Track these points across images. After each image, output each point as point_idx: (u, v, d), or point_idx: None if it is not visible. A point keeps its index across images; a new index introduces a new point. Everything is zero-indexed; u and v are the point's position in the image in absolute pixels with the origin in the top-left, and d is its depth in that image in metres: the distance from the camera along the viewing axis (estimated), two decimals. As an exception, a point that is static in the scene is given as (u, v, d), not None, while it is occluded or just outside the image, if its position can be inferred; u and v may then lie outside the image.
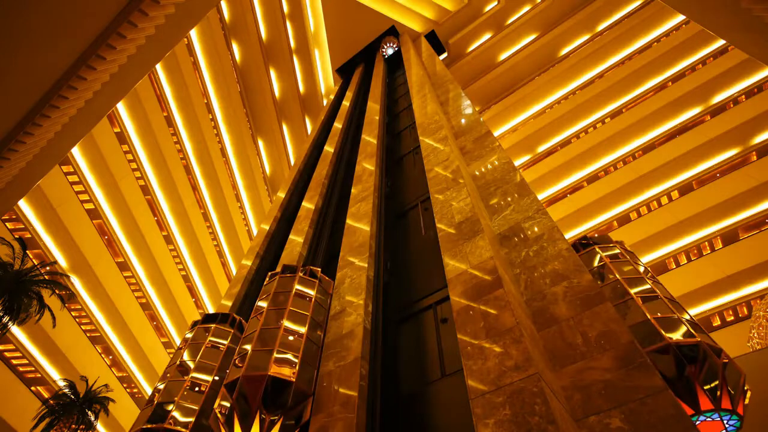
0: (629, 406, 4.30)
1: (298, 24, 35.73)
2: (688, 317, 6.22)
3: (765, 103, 25.77)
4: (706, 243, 25.44)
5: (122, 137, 32.98)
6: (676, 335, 5.78)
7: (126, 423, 34.06)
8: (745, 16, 10.10)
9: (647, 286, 6.67)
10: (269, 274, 9.02)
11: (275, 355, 6.62)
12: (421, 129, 13.76)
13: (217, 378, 7.89)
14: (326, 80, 39.82)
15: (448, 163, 10.27)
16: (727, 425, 5.56)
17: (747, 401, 5.63)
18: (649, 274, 7.08)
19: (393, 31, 36.20)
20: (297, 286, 8.20)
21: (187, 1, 13.76)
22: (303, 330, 7.35)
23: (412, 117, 17.31)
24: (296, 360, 6.73)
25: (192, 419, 7.14)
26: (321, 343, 7.66)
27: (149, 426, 6.94)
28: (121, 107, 32.15)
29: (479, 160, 10.99)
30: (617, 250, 7.60)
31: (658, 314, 6.10)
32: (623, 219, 29.25)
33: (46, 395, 28.24)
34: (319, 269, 9.00)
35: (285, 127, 42.10)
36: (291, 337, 7.15)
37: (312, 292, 8.30)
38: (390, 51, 36.04)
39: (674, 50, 30.75)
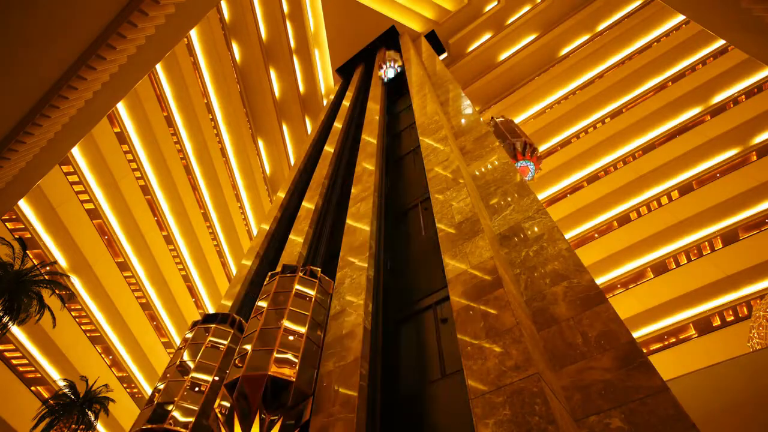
0: (629, 406, 4.30)
1: (298, 24, 35.71)
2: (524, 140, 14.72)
3: (765, 103, 25.79)
4: (706, 243, 25.45)
5: (122, 137, 32.98)
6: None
7: (126, 423, 34.07)
8: (745, 16, 10.10)
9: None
10: (269, 274, 9.02)
11: (275, 354, 6.61)
12: (421, 129, 13.77)
13: (217, 378, 7.88)
14: (326, 80, 39.81)
15: (448, 163, 10.27)
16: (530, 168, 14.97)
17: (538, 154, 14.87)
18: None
19: (393, 31, 36.18)
20: (297, 286, 8.20)
21: (187, 1, 13.76)
22: (303, 330, 7.34)
23: (412, 117, 17.31)
24: (296, 360, 6.72)
25: (192, 419, 7.13)
26: (321, 343, 7.66)
27: (149, 426, 6.92)
28: (121, 107, 32.15)
29: (479, 160, 10.99)
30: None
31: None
32: (623, 219, 29.26)
33: (46, 395, 28.25)
34: (320, 269, 8.99)
35: (285, 127, 42.10)
36: (291, 337, 7.15)
37: (312, 292, 8.30)
38: (390, 73, 26.11)
39: (674, 50, 30.75)
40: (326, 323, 8.17)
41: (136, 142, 33.89)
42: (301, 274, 8.50)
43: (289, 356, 6.75)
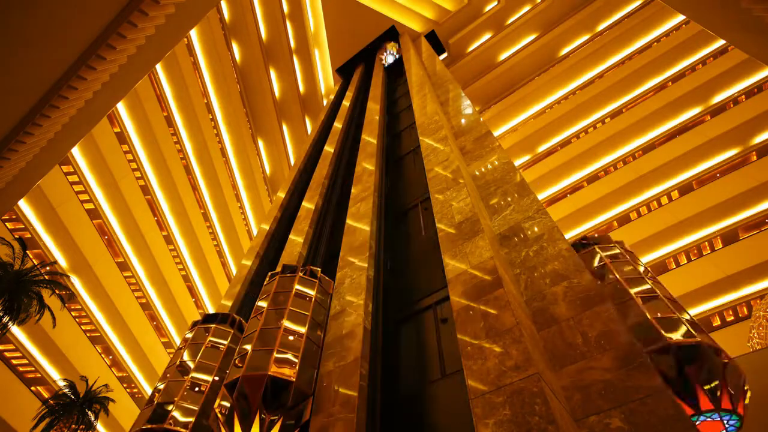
0: (629, 406, 4.30)
1: (298, 24, 35.71)
2: (688, 317, 6.22)
3: (765, 103, 25.77)
4: (706, 243, 25.44)
5: (122, 137, 32.97)
6: (677, 335, 5.77)
7: (126, 423, 34.05)
8: (745, 16, 10.10)
9: (647, 286, 6.65)
10: (269, 274, 9.02)
11: (275, 354, 6.62)
12: (421, 129, 13.76)
13: (216, 378, 7.90)
14: (326, 80, 39.80)
15: (448, 163, 10.27)
16: (727, 425, 5.57)
17: (747, 401, 5.63)
18: (649, 274, 7.05)
19: (393, 31, 36.18)
20: (297, 286, 8.22)
21: (187, 1, 13.76)
22: (303, 330, 7.36)
23: (412, 117, 17.31)
24: (296, 360, 6.73)
25: (192, 419, 7.14)
26: (321, 343, 7.67)
27: (149, 426, 6.94)
28: (121, 107, 32.14)
29: (479, 160, 10.99)
30: (617, 250, 7.61)
31: (659, 314, 6.10)
32: (623, 219, 29.25)
33: (46, 395, 28.24)
34: (319, 269, 9.00)
35: (285, 127, 42.09)
36: (291, 337, 7.16)
37: (312, 292, 8.31)
38: (390, 59, 32.49)
39: (674, 50, 30.74)
40: (326, 323, 8.18)
41: (136, 142, 33.89)
42: (301, 274, 8.52)
43: (289, 356, 6.77)
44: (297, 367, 6.60)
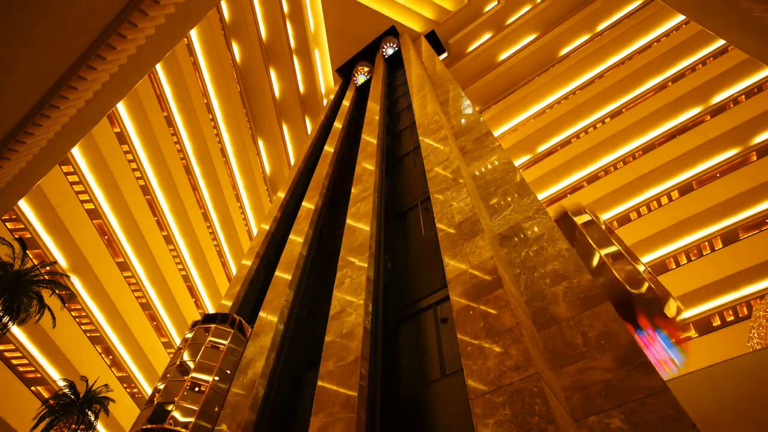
0: (629, 406, 4.30)
1: (298, 24, 35.71)
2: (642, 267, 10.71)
3: (765, 103, 25.77)
4: (706, 243, 25.43)
5: (122, 137, 32.98)
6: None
7: (126, 423, 34.06)
8: (745, 16, 10.10)
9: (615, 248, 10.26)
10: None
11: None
12: (421, 129, 13.76)
13: (217, 378, 7.93)
14: (326, 80, 39.79)
15: (448, 163, 10.27)
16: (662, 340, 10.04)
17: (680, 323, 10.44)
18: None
19: (393, 31, 36.19)
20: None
21: (187, 1, 13.76)
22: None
23: (412, 117, 17.32)
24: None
25: (192, 419, 7.19)
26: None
27: (149, 426, 7.09)
28: (121, 107, 32.14)
29: (479, 160, 10.99)
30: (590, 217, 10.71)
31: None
32: (623, 219, 29.24)
33: (46, 395, 28.24)
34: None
35: (285, 127, 42.08)
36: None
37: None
38: (390, 51, 35.32)
39: (674, 50, 30.74)
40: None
41: (136, 142, 33.89)
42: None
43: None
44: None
